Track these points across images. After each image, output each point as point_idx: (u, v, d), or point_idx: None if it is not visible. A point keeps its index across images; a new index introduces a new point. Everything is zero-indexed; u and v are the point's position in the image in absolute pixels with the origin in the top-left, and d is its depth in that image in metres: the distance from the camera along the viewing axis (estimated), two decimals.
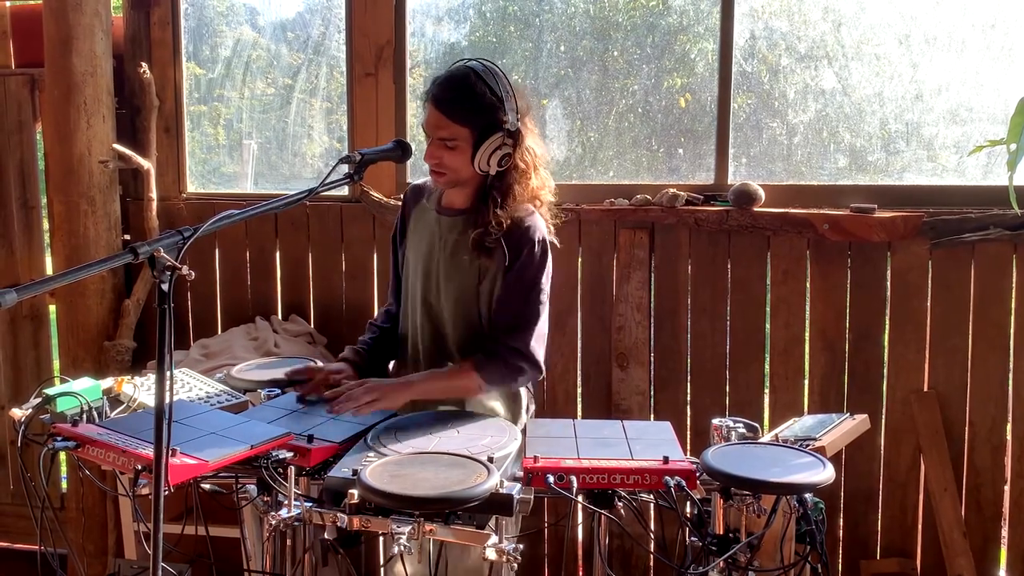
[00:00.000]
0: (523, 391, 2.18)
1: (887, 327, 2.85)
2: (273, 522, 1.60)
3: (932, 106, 2.93)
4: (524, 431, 1.86)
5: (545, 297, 2.04)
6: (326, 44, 3.28)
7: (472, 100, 1.96)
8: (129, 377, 2.05)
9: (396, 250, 2.29)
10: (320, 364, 2.13)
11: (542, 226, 2.06)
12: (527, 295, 2.02)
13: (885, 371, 2.86)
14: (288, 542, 1.80)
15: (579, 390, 3.05)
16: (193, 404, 1.97)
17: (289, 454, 1.68)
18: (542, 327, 2.03)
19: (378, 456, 1.65)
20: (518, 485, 1.56)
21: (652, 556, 2.98)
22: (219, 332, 3.21)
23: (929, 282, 2.80)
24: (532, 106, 2.11)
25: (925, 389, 2.83)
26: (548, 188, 2.12)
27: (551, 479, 1.58)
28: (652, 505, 1.75)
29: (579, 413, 3.06)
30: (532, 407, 2.24)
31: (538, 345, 2.02)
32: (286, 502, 1.60)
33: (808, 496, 1.61)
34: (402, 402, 1.99)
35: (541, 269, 2.03)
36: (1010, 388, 2.79)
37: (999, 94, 2.86)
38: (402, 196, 2.30)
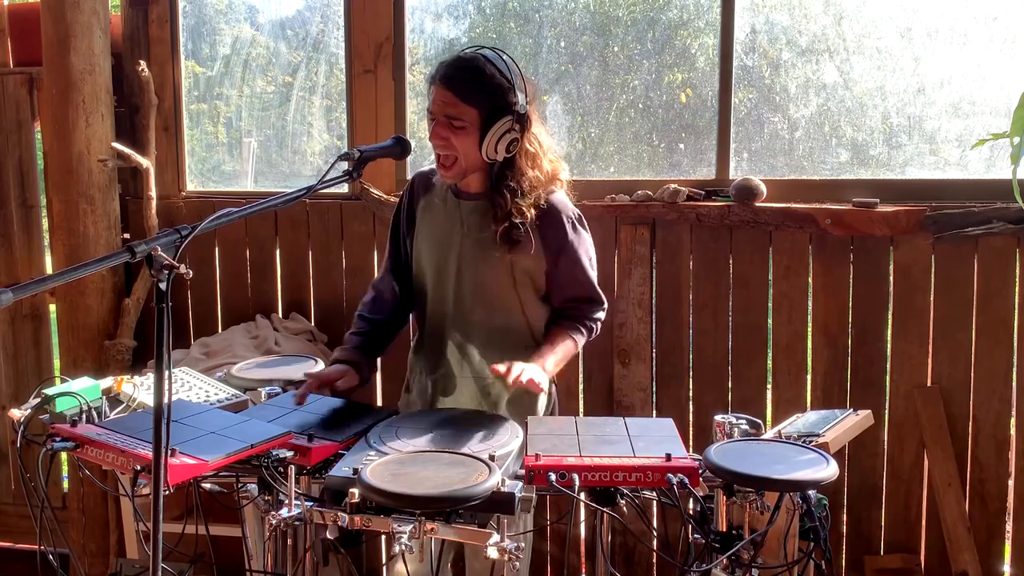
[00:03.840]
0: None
1: (890, 322, 2.83)
2: (274, 521, 1.59)
3: (934, 100, 2.92)
4: (526, 428, 1.85)
5: (592, 256, 2.18)
6: (325, 41, 3.27)
7: (481, 80, 1.96)
8: (129, 376, 2.05)
9: (399, 238, 2.26)
10: (318, 372, 2.10)
11: (566, 203, 2.12)
12: (586, 267, 2.14)
13: (888, 366, 2.84)
14: (289, 541, 1.80)
15: (581, 387, 3.04)
16: (193, 403, 1.96)
17: (290, 453, 1.68)
18: (595, 275, 2.18)
19: (379, 455, 1.64)
20: (520, 483, 1.55)
21: (655, 553, 2.97)
22: (219, 331, 3.20)
23: (932, 277, 2.79)
24: (537, 96, 2.12)
25: (928, 384, 2.82)
26: (564, 170, 2.15)
27: (553, 477, 1.57)
28: (655, 502, 1.74)
29: (581, 410, 3.06)
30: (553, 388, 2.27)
31: (599, 288, 2.19)
32: (287, 501, 1.59)
33: (812, 492, 1.61)
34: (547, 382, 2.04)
35: (585, 240, 2.15)
36: (1014, 383, 2.77)
37: (1002, 87, 2.84)
38: (409, 182, 2.27)
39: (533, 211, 2.03)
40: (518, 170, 2.03)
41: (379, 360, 2.27)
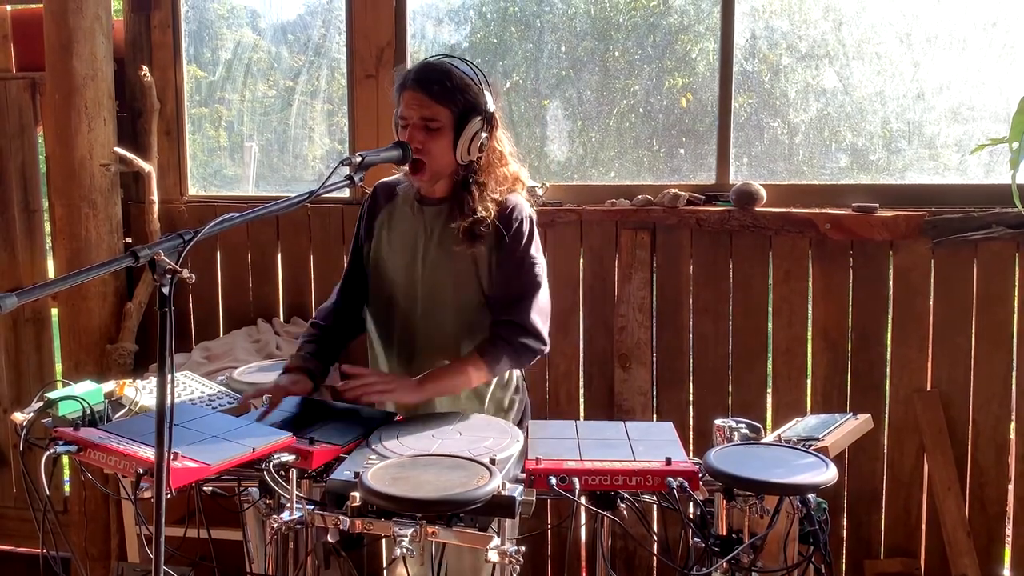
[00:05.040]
0: (515, 375, 2.18)
1: (889, 326, 2.84)
2: (275, 525, 1.60)
3: (934, 105, 2.93)
4: (526, 432, 1.86)
5: (540, 270, 2.06)
6: (327, 46, 3.28)
7: (453, 81, 1.99)
8: (131, 380, 2.05)
9: (358, 247, 2.24)
10: (269, 383, 2.05)
11: (525, 204, 2.10)
12: (519, 269, 2.03)
13: (888, 370, 2.85)
14: (290, 545, 1.80)
15: (581, 391, 3.05)
16: (195, 407, 1.97)
17: (291, 457, 1.68)
18: (541, 300, 2.04)
19: (380, 458, 1.64)
20: (520, 487, 1.56)
21: (655, 557, 2.97)
22: (221, 335, 3.21)
23: (931, 281, 2.80)
24: (501, 98, 2.13)
25: (928, 388, 2.82)
26: (524, 172, 2.16)
27: (553, 481, 1.57)
28: (655, 506, 1.75)
29: (581, 414, 3.06)
30: (525, 395, 2.25)
31: (539, 318, 2.02)
32: (288, 505, 1.60)
33: (811, 496, 1.61)
34: (414, 400, 1.99)
35: (530, 243, 2.05)
36: (1013, 387, 2.78)
37: (1001, 92, 2.86)
38: (371, 192, 2.25)
39: (494, 207, 2.03)
40: (487, 169, 2.06)
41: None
